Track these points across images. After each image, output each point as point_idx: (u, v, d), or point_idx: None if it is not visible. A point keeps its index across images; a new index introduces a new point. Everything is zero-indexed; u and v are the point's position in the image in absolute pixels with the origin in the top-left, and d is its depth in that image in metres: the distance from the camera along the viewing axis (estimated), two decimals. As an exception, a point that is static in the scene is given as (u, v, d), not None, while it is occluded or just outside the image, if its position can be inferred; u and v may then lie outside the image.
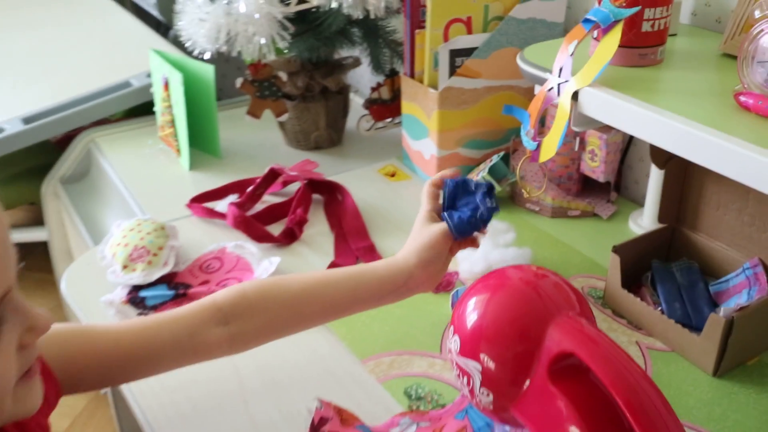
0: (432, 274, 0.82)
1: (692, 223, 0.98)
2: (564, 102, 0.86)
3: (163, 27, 2.08)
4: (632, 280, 0.97)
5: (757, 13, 0.78)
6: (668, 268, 0.96)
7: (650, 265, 0.99)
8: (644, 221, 1.14)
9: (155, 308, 0.99)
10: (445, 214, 0.83)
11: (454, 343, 0.61)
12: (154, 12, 2.03)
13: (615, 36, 0.82)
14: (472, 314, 0.61)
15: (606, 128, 1.09)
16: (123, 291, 1.02)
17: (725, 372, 0.86)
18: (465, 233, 0.82)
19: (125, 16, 1.96)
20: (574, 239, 1.13)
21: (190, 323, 0.74)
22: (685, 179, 0.96)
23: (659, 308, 0.92)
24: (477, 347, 0.59)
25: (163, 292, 1.01)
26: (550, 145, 0.89)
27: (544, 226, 1.16)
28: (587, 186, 1.22)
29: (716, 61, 0.90)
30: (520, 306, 0.59)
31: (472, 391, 0.61)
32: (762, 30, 0.75)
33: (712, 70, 0.88)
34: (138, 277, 1.02)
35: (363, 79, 1.88)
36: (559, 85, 0.87)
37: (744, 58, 0.77)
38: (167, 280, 1.04)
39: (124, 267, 1.03)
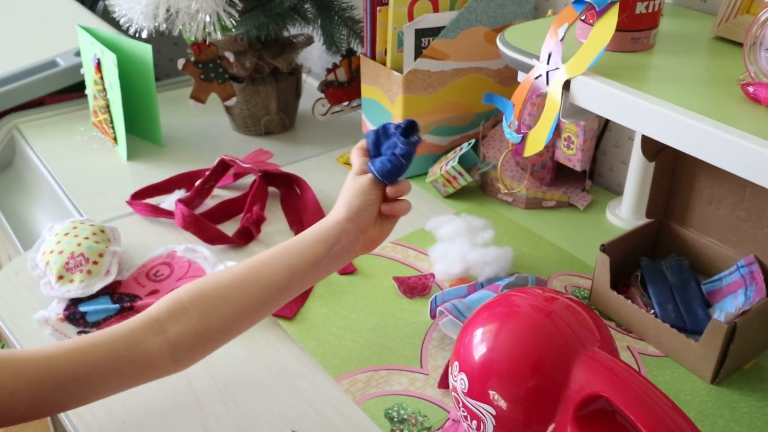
0: (362, 226, 0.77)
1: (681, 217, 0.92)
2: (554, 92, 0.78)
3: (90, -1, 1.91)
4: (618, 278, 0.91)
5: (767, -4, 0.71)
6: (658, 266, 0.91)
7: (637, 262, 0.93)
8: (623, 212, 1.09)
9: (98, 325, 0.88)
10: (369, 163, 0.79)
11: (460, 382, 0.53)
12: (80, -18, 1.86)
13: (611, 19, 0.75)
14: (481, 349, 0.53)
15: (584, 115, 1.03)
16: (60, 306, 0.90)
17: (723, 378, 0.81)
18: (391, 175, 0.77)
19: (48, -13, 1.78)
20: (551, 233, 1.06)
21: (128, 335, 0.68)
22: (674, 172, 0.91)
23: (651, 310, 0.86)
24: (490, 388, 0.51)
25: (107, 305, 0.90)
26: (538, 139, 0.82)
27: (519, 219, 1.09)
28: (560, 174, 1.16)
29: (710, 45, 0.84)
30: (539, 340, 0.51)
31: (482, 436, 0.53)
32: (771, 14, 0.69)
33: (708, 56, 0.82)
34: (76, 289, 0.91)
35: (311, 56, 1.77)
36: (548, 72, 0.79)
37: (751, 45, 0.71)
38: (110, 291, 0.93)
39: (60, 278, 0.91)
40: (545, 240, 1.04)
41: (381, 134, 0.80)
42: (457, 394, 0.54)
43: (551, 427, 0.50)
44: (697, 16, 0.94)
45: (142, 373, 0.69)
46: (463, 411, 0.54)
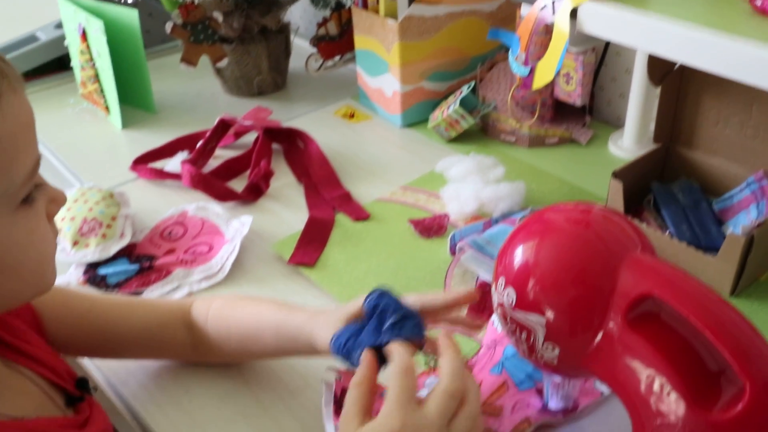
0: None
1: (688, 140, 0.94)
2: (561, 21, 0.79)
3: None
4: (630, 204, 0.93)
5: None
6: (669, 190, 0.92)
7: (647, 188, 0.94)
8: (625, 143, 1.10)
9: (119, 286, 0.88)
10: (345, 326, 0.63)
11: (507, 296, 0.54)
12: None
13: (617, -59, 0.75)
14: (526, 263, 0.54)
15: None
16: (78, 270, 0.90)
17: (741, 290, 0.83)
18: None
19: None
20: (557, 168, 1.07)
21: (163, 314, 0.73)
22: (679, 96, 0.92)
23: (666, 231, 0.88)
24: (540, 298, 0.52)
25: (126, 267, 0.90)
26: (547, 70, 0.83)
27: (524, 157, 1.10)
28: (560, 111, 1.17)
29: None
30: (580, 251, 0.52)
31: (532, 347, 0.54)
32: (776, -74, 0.70)
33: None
34: (93, 253, 0.90)
35: (292, 15, 1.75)
36: (553, 3, 0.80)
37: (757, -42, 0.72)
38: (127, 253, 0.93)
39: (75, 243, 0.91)
40: (552, 175, 1.06)
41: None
42: (504, 309, 0.55)
43: (602, 331, 0.51)
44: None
45: (165, 351, 0.75)
46: (511, 325, 0.55)
